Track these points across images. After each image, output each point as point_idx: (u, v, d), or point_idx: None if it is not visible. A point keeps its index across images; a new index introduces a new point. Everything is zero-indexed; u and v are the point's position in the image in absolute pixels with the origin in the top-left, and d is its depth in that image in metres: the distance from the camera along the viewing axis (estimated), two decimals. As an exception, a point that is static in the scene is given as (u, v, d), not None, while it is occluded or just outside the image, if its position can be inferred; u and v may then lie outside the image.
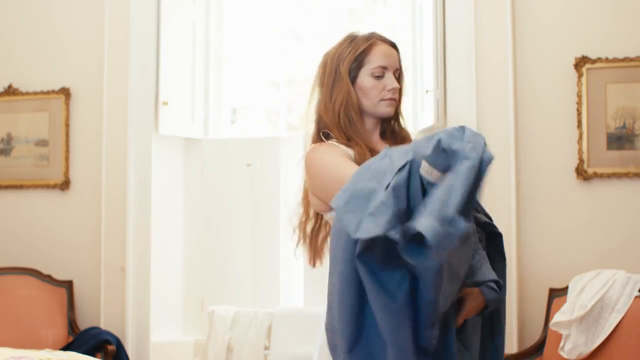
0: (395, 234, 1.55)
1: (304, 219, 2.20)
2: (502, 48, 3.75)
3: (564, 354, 3.32)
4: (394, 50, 2.14)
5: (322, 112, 2.12)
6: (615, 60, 3.63)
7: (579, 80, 3.66)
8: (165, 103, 4.45)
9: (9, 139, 4.51)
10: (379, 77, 2.08)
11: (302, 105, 5.13)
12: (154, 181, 4.36)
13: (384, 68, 2.08)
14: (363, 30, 2.17)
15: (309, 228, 2.20)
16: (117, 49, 4.27)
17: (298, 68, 5.07)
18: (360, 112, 2.09)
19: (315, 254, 2.21)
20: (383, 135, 2.15)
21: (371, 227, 1.57)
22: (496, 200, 3.69)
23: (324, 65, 2.14)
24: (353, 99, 2.06)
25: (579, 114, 3.66)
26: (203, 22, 4.84)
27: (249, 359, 4.36)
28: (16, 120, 4.50)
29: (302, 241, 2.23)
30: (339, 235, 1.67)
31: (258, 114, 5.24)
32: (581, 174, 3.66)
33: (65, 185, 4.39)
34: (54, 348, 3.88)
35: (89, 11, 4.38)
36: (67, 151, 4.40)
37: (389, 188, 1.60)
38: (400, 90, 2.14)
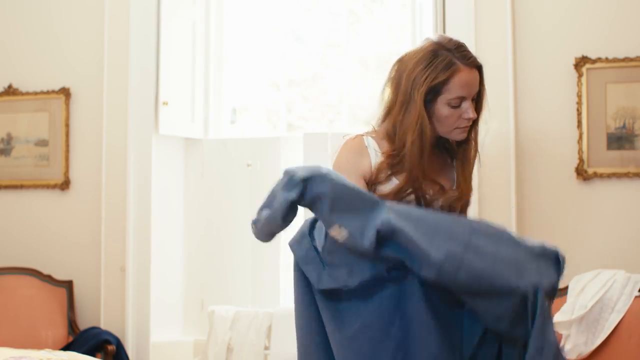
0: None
1: None
2: (502, 48, 3.75)
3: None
4: (476, 74, 1.98)
5: (388, 127, 2.01)
6: (615, 60, 3.63)
7: (579, 80, 3.66)
8: (165, 103, 4.45)
9: (9, 139, 4.51)
10: (455, 107, 1.96)
11: (302, 105, 5.14)
12: (154, 181, 4.36)
13: (462, 98, 1.96)
14: (446, 41, 1.99)
15: None
16: (117, 49, 4.27)
17: (298, 68, 5.07)
18: (432, 141, 1.98)
19: None
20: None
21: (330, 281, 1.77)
22: (496, 200, 3.69)
23: (399, 79, 1.99)
24: (426, 126, 1.94)
25: (579, 114, 3.66)
26: (203, 22, 4.84)
27: (249, 359, 4.36)
28: (16, 120, 4.50)
29: None
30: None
31: (258, 114, 5.25)
32: (581, 174, 3.66)
33: (65, 185, 4.39)
34: (54, 348, 3.88)
35: (88, 11, 4.38)
36: (67, 151, 4.40)
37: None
38: (478, 111, 2.02)
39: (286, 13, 5.07)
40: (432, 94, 1.95)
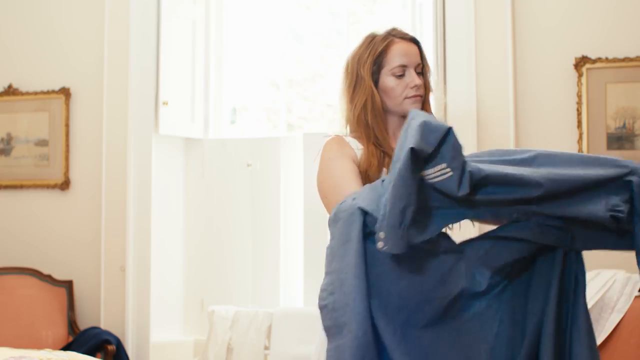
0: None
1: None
2: (502, 48, 3.75)
3: (564, 354, 3.32)
4: (413, 46, 2.11)
5: (347, 118, 2.13)
6: (615, 60, 3.63)
7: (579, 80, 3.66)
8: (165, 103, 4.45)
9: (9, 139, 4.51)
10: (400, 76, 2.07)
11: (302, 105, 5.14)
12: (154, 181, 4.36)
13: (404, 66, 2.07)
14: (382, 28, 2.14)
15: None
16: (117, 49, 4.27)
17: (298, 68, 5.07)
18: (383, 113, 2.08)
19: None
20: None
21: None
22: (496, 200, 3.69)
23: (346, 70, 2.13)
24: (376, 101, 2.05)
25: (579, 114, 3.66)
26: (203, 22, 4.84)
27: (249, 359, 4.36)
28: (16, 120, 4.50)
29: None
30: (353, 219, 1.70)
31: (258, 114, 5.25)
32: (581, 174, 3.66)
33: (65, 185, 4.40)
34: (54, 348, 3.89)
35: (89, 11, 4.38)
36: (67, 151, 4.40)
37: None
38: (426, 85, 2.13)
39: (286, 13, 5.07)
40: (376, 66, 2.06)
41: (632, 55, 3.62)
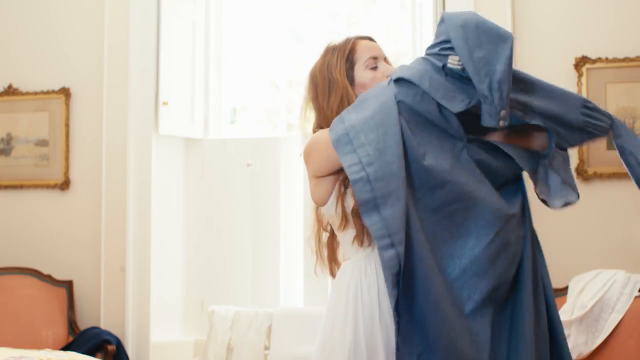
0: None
1: (316, 228, 2.19)
2: (502, 48, 3.74)
3: (564, 354, 3.32)
4: (374, 42, 2.20)
5: (323, 123, 2.14)
6: (615, 60, 3.63)
7: (579, 80, 3.66)
8: (165, 103, 4.45)
9: (9, 139, 4.51)
10: (374, 68, 2.13)
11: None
12: (154, 181, 4.36)
13: (375, 58, 2.14)
14: (336, 38, 2.22)
15: (324, 237, 2.19)
16: (117, 49, 4.27)
17: (297, 68, 5.07)
18: None
19: (334, 264, 2.19)
20: None
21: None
22: (496, 200, 3.69)
23: (314, 81, 2.18)
24: (351, 97, 2.08)
25: (579, 114, 3.66)
26: (203, 22, 4.84)
27: (249, 359, 4.36)
28: (16, 120, 4.50)
29: (318, 252, 2.20)
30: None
31: (258, 114, 5.24)
32: (581, 174, 3.66)
33: (65, 185, 4.40)
34: (54, 348, 3.89)
35: (89, 11, 4.38)
36: (67, 151, 4.40)
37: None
38: None
39: (285, 13, 5.07)
40: (349, 64, 2.12)
41: (632, 55, 3.62)
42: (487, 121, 1.84)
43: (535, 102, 1.96)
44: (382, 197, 1.75)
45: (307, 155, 2.09)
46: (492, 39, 1.86)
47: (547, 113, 1.95)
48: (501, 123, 1.83)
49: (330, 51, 2.17)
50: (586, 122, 2.00)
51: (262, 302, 4.67)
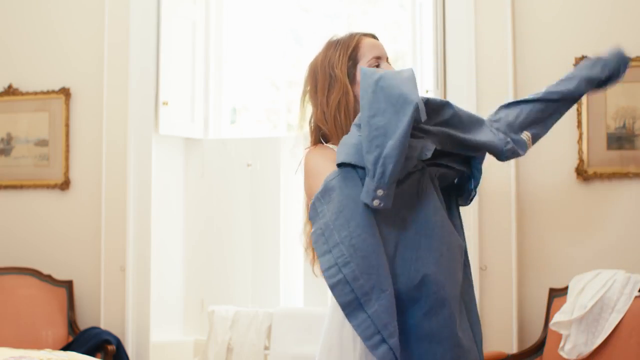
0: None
1: (309, 228, 2.18)
2: (502, 48, 3.75)
3: (564, 354, 3.32)
4: (378, 41, 2.14)
5: (319, 121, 2.11)
6: (615, 60, 3.63)
7: (579, 80, 3.66)
8: (165, 103, 4.45)
9: (9, 139, 4.51)
10: (376, 67, 2.06)
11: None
12: (154, 181, 4.36)
13: (378, 58, 2.08)
14: (340, 33, 2.16)
15: None
16: (117, 48, 4.28)
17: (297, 68, 5.07)
18: (354, 112, 2.06)
19: None
20: None
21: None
22: (496, 200, 3.69)
23: (314, 75, 2.12)
24: (350, 97, 2.04)
25: (579, 114, 3.66)
26: (203, 22, 4.84)
27: (249, 359, 4.36)
28: (16, 120, 4.50)
29: (308, 249, 2.22)
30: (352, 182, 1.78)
31: (258, 114, 5.24)
32: (581, 174, 3.66)
33: (65, 185, 4.40)
34: (54, 348, 3.89)
35: (89, 11, 4.38)
36: (67, 151, 4.40)
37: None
38: None
39: (285, 13, 5.07)
40: (351, 62, 2.06)
41: (632, 55, 3.60)
42: (363, 196, 1.72)
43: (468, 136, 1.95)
44: (363, 295, 1.68)
45: (305, 175, 2.07)
46: (397, 109, 1.73)
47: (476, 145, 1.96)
48: (375, 203, 1.69)
49: (333, 45, 2.10)
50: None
51: (262, 302, 4.67)
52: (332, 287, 1.70)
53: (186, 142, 4.87)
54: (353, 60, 2.07)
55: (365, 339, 1.68)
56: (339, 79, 2.05)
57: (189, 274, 4.84)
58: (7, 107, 4.51)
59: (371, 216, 1.73)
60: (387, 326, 1.67)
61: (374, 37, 2.15)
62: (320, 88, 2.09)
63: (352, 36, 2.10)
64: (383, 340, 1.67)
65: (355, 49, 2.07)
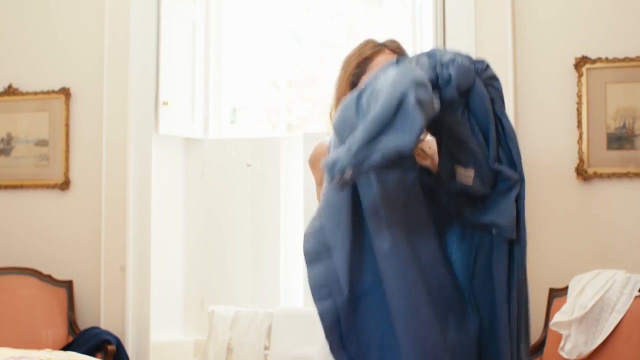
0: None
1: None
2: (502, 48, 3.75)
3: (564, 354, 3.32)
4: (393, 58, 2.12)
5: (330, 113, 2.20)
6: (615, 60, 3.63)
7: (579, 80, 3.66)
8: (165, 103, 4.45)
9: (9, 139, 4.51)
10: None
11: (302, 105, 5.14)
12: (154, 181, 4.36)
13: None
14: (379, 36, 2.19)
15: None
16: (117, 48, 4.27)
17: (297, 69, 5.07)
18: None
19: None
20: None
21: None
22: (496, 200, 3.68)
23: (340, 68, 2.21)
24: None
25: (579, 114, 3.66)
26: (203, 22, 4.84)
27: (249, 359, 4.36)
28: (16, 120, 4.50)
29: None
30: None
31: (258, 114, 5.25)
32: (581, 174, 3.66)
33: (65, 185, 4.39)
34: (54, 348, 3.88)
35: (89, 11, 4.38)
36: (67, 151, 4.40)
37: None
38: None
39: (285, 13, 5.07)
40: (359, 69, 2.12)
41: (632, 55, 3.62)
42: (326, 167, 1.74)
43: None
44: (324, 247, 1.89)
45: (312, 164, 2.11)
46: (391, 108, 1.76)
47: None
48: (336, 178, 1.66)
49: (361, 46, 2.16)
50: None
51: (262, 302, 4.67)
52: (304, 236, 1.89)
53: (186, 142, 4.87)
54: (362, 68, 2.12)
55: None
56: (342, 78, 2.15)
57: (189, 274, 4.84)
58: (7, 107, 4.51)
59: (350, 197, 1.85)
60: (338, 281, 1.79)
61: (394, 51, 2.14)
62: (336, 81, 2.20)
63: (378, 45, 2.14)
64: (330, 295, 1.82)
65: (369, 59, 2.12)
